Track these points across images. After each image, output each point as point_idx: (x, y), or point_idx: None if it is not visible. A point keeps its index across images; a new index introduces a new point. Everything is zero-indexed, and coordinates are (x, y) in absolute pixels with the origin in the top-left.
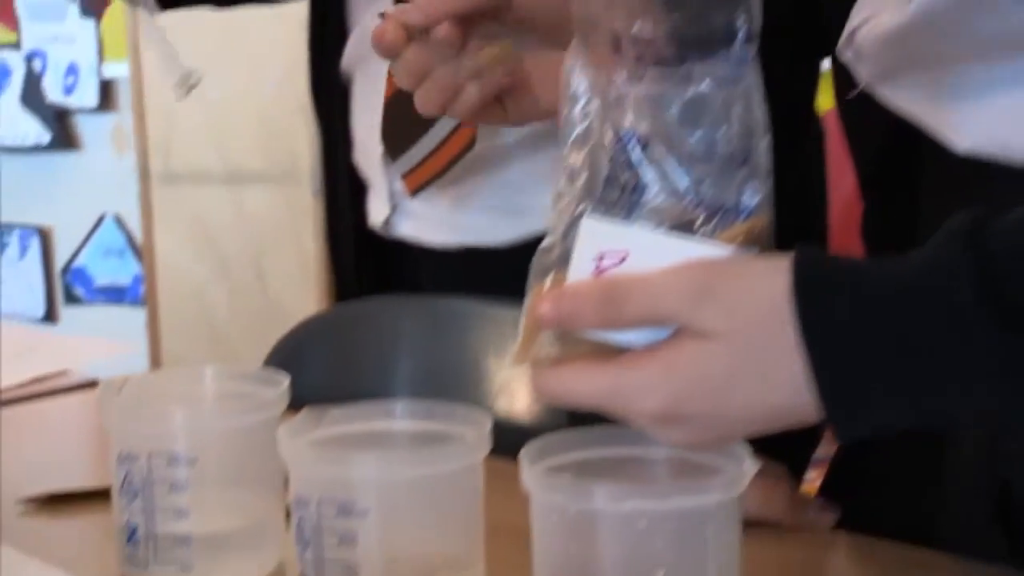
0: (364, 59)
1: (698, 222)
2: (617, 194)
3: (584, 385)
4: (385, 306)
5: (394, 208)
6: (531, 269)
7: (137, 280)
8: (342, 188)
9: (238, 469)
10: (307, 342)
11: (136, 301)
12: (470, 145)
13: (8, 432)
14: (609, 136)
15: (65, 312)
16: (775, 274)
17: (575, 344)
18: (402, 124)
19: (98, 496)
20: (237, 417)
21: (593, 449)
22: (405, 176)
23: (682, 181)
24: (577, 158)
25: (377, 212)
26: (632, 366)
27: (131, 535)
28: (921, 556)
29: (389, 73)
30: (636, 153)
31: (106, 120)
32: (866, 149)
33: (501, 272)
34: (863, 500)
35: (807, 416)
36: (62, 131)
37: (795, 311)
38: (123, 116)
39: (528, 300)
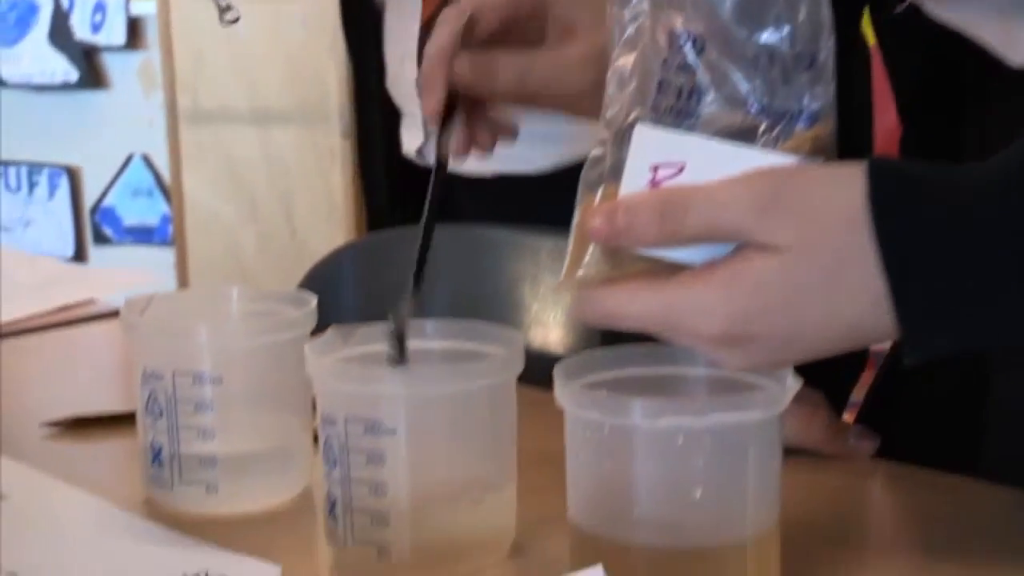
0: None
1: (760, 130)
2: (672, 101)
3: (637, 306)
4: (414, 235)
5: (428, 136)
6: (580, 182)
7: (165, 220)
8: (374, 119)
9: (264, 390)
10: (339, 270)
11: (165, 241)
12: None
13: (34, 359)
14: (661, 38)
15: (94, 252)
16: (848, 183)
17: (626, 263)
18: None
19: (123, 421)
20: (263, 336)
21: (629, 367)
22: None
23: (742, 86)
24: (627, 62)
25: (411, 140)
26: (691, 285)
27: (156, 456)
28: (962, 484)
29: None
30: (691, 55)
31: (134, 58)
32: (906, 74)
33: (536, 200)
34: (903, 428)
35: (883, 334)
36: (90, 69)
37: (872, 221)
38: (151, 54)
39: (577, 216)
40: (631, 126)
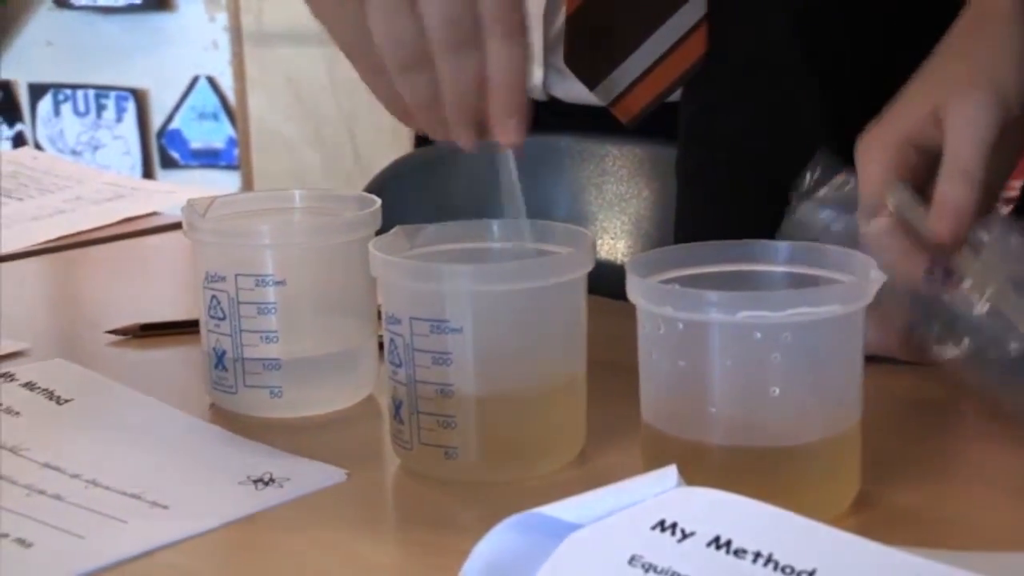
0: None
1: None
2: None
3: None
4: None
5: (548, 68)
6: None
7: (231, 143)
8: None
9: (328, 292)
10: (402, 177)
11: (231, 164)
12: (703, 57)
13: (99, 270)
14: None
15: (162, 175)
16: None
17: None
18: (595, 43)
19: (187, 329)
20: (327, 237)
21: (703, 264)
22: (612, 106)
23: None
24: None
25: None
26: None
27: (219, 360)
28: None
29: None
30: None
31: None
32: None
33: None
34: None
35: None
36: None
37: None
38: None
39: None
40: None
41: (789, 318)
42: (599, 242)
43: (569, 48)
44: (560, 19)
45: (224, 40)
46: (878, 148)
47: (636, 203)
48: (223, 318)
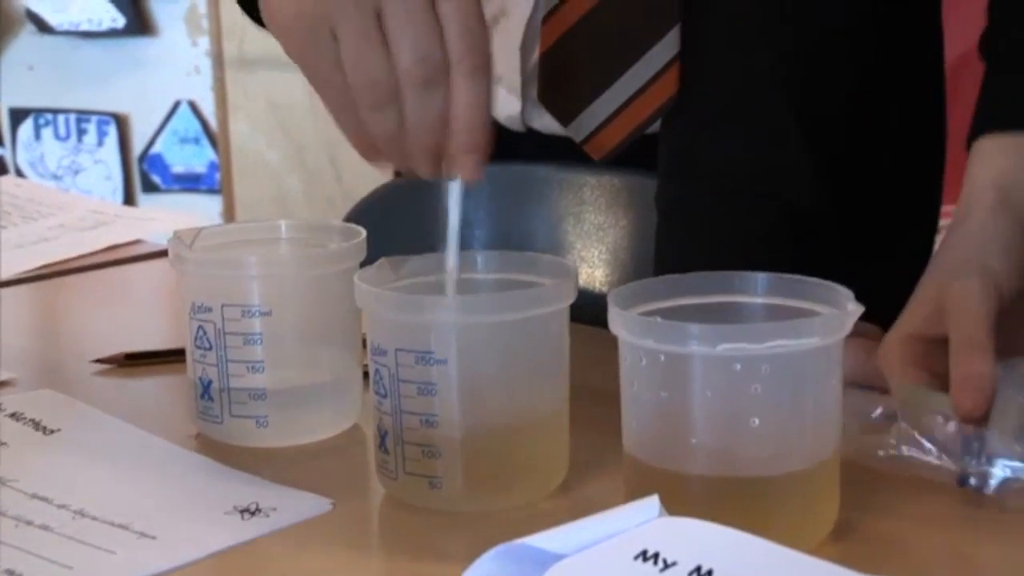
0: None
1: None
2: None
3: None
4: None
5: (526, 100)
6: None
7: (213, 167)
8: None
9: (314, 323)
10: (385, 206)
11: (212, 188)
12: (675, 95)
13: (84, 298)
14: None
15: (143, 200)
16: None
17: None
18: (568, 80)
19: (172, 358)
20: (312, 268)
21: (684, 296)
22: (585, 143)
23: None
24: None
25: (500, 105)
26: None
27: (205, 389)
28: None
29: (546, 18)
30: None
31: (180, 4)
32: None
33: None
34: None
35: None
36: (136, 16)
37: None
38: (196, 0)
39: None
40: None
41: (768, 350)
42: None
43: (543, 85)
44: (537, 53)
45: (206, 65)
46: (897, 349)
47: (614, 232)
48: (209, 348)
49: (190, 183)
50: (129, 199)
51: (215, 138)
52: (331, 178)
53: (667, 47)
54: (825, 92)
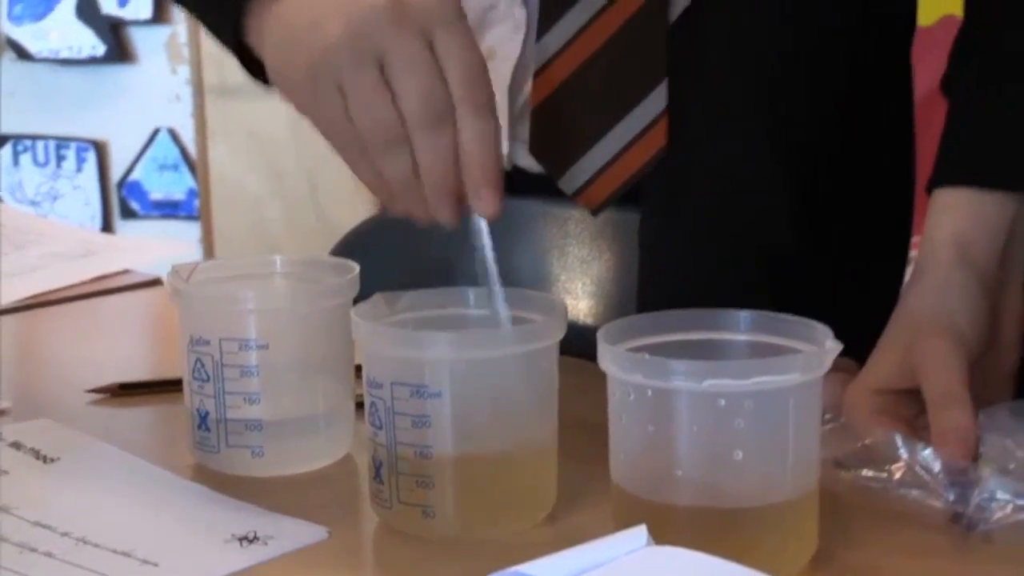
0: None
1: None
2: None
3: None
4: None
5: (514, 140)
6: None
7: (191, 194)
8: None
9: (308, 355)
10: (372, 239)
11: (191, 215)
12: (665, 146)
13: (73, 327)
14: None
15: (121, 226)
16: None
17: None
18: (560, 134)
19: (165, 387)
20: (308, 303)
21: (670, 332)
22: (577, 195)
23: None
24: None
25: None
26: None
27: (202, 420)
28: None
29: (538, 73)
30: None
31: (160, 32)
32: None
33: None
34: None
35: None
36: (117, 43)
37: None
38: (177, 28)
39: None
40: None
41: (752, 386)
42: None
43: (535, 139)
44: (525, 93)
45: (186, 92)
46: (866, 400)
47: (598, 265)
48: (207, 380)
49: (168, 210)
50: (107, 225)
51: (194, 165)
52: (311, 206)
53: (655, 101)
54: (803, 135)
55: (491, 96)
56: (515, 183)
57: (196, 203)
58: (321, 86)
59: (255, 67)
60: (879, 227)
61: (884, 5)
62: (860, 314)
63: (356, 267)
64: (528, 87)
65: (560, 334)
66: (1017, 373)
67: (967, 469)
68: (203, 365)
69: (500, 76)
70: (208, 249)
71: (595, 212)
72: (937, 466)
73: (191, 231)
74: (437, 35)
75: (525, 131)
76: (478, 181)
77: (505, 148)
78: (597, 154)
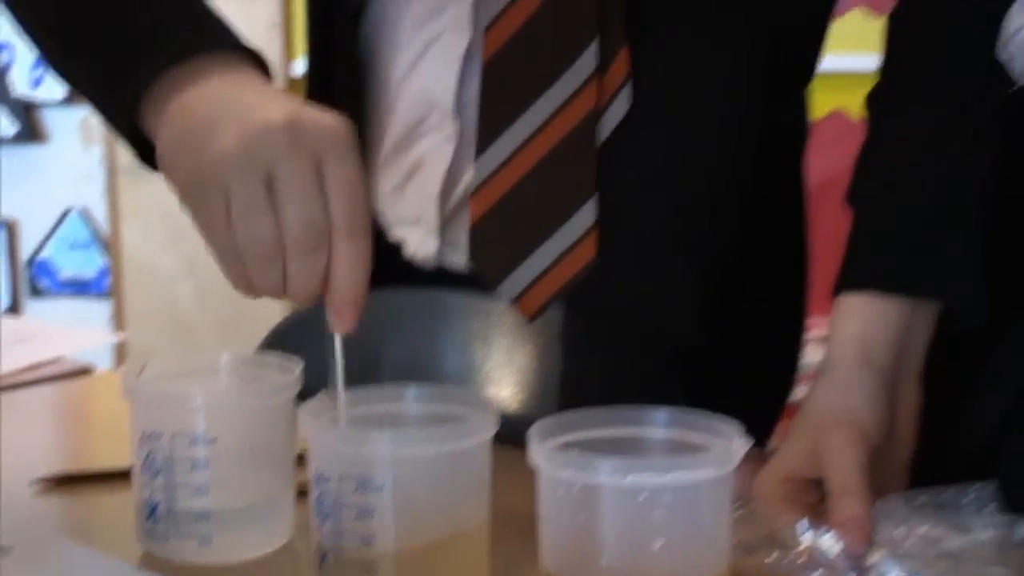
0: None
1: None
2: None
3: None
4: (375, 298)
5: (443, 242)
6: None
7: (103, 273)
8: None
9: (255, 448)
10: (300, 331)
11: (101, 293)
12: (595, 257)
13: (11, 416)
14: None
15: (30, 305)
16: None
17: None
18: (497, 247)
19: (110, 476)
20: (256, 399)
21: (595, 429)
22: (517, 301)
23: None
24: None
25: (417, 245)
26: None
27: (152, 511)
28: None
29: (475, 192)
30: None
31: (73, 113)
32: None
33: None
34: None
35: None
36: (29, 124)
37: None
38: (90, 109)
39: None
40: None
41: (670, 481)
42: (485, 390)
43: (475, 251)
44: (455, 197)
45: (99, 172)
46: (770, 486)
47: (521, 355)
48: (157, 473)
49: (79, 288)
50: (15, 304)
51: (106, 244)
52: (223, 285)
53: (585, 216)
54: (710, 241)
55: (368, 222)
56: (443, 278)
57: (107, 282)
58: (208, 191)
59: (143, 144)
60: (778, 325)
61: (783, 121)
62: (761, 403)
63: (299, 365)
64: (458, 193)
65: (492, 431)
66: (911, 463)
67: (864, 554)
68: (154, 458)
69: (429, 185)
70: (119, 327)
71: (530, 319)
72: (837, 549)
73: (101, 310)
74: (326, 160)
75: (453, 234)
76: (342, 301)
77: (434, 248)
78: (532, 265)
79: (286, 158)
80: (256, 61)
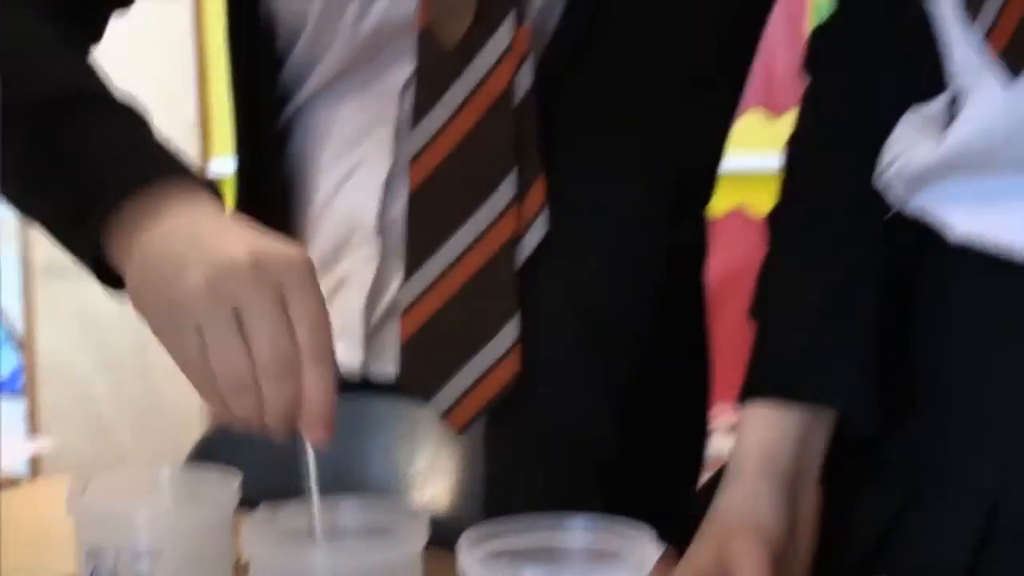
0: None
1: None
2: None
3: None
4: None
5: (367, 354)
6: None
7: (17, 372)
8: None
9: (196, 560)
10: (228, 441)
11: (14, 391)
12: (521, 370)
13: None
14: None
15: None
16: None
17: None
18: (427, 364)
19: None
20: (197, 514)
21: (520, 536)
22: (447, 415)
23: None
24: None
25: (343, 357)
26: None
27: None
28: None
29: (406, 312)
30: None
31: None
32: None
33: None
34: None
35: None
36: None
37: None
38: (4, 209)
39: None
40: None
41: None
42: (410, 493)
43: (405, 369)
44: (379, 311)
45: (13, 271)
46: None
47: (445, 457)
48: None
49: None
50: None
51: (21, 343)
52: (141, 384)
53: (508, 334)
54: (620, 353)
55: (331, 346)
56: (368, 387)
57: (21, 380)
58: (181, 328)
59: (107, 273)
60: (682, 433)
61: (685, 238)
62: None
63: (237, 478)
64: (383, 307)
65: (424, 540)
66: (812, 559)
67: None
68: (99, 573)
69: (353, 300)
70: (33, 425)
71: (460, 432)
72: None
73: (16, 409)
74: (289, 290)
75: (378, 346)
76: (314, 419)
77: (358, 361)
78: (460, 381)
79: (253, 293)
80: (207, 186)
